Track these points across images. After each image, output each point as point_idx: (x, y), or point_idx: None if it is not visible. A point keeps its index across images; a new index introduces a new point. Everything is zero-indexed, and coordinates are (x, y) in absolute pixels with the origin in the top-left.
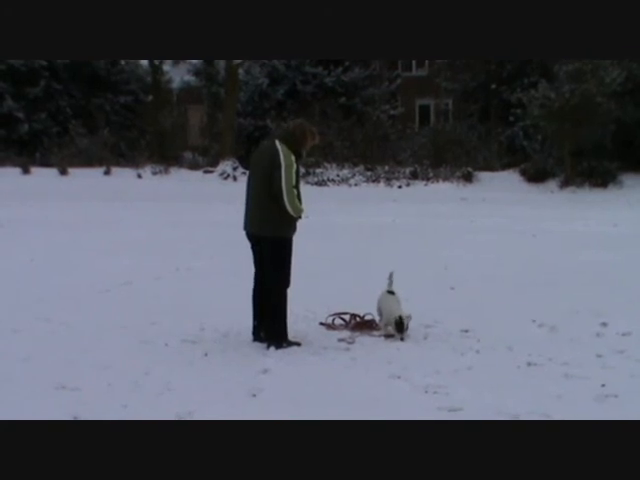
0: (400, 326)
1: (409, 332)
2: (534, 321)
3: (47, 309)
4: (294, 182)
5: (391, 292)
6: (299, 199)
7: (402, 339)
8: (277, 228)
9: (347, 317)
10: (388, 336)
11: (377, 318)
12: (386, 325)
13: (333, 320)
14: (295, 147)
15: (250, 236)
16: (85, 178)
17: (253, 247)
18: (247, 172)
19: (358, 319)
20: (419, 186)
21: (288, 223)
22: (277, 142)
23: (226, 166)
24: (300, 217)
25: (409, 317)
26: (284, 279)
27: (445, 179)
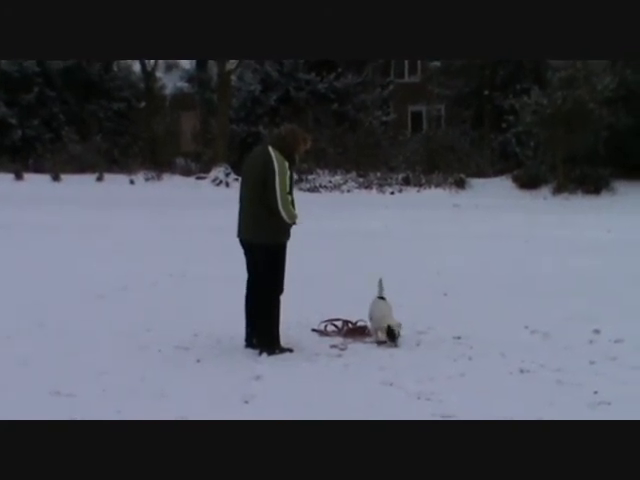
0: (392, 335)
1: (402, 338)
2: (527, 327)
3: (41, 314)
4: (288, 188)
5: (382, 298)
6: (293, 205)
7: (396, 346)
8: (271, 234)
9: (339, 323)
10: (380, 342)
11: (369, 324)
12: (376, 330)
13: (325, 326)
14: (288, 152)
15: (243, 243)
16: (78, 184)
17: (246, 253)
18: (240, 178)
19: (350, 325)
20: (411, 192)
21: (282, 229)
22: (270, 148)
23: (219, 172)
24: (294, 223)
25: (399, 325)
26: (277, 285)
27: (437, 185)
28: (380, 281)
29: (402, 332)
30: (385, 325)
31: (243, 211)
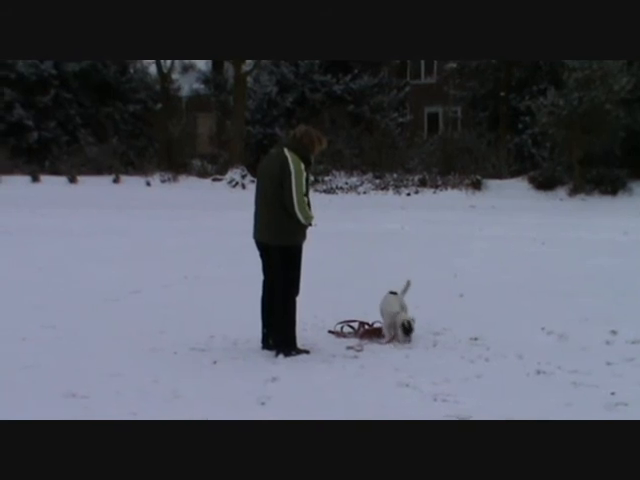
0: (406, 330)
1: (418, 339)
2: (543, 329)
3: (55, 317)
4: (304, 190)
5: (393, 292)
6: (309, 206)
7: (409, 341)
8: (287, 236)
9: (356, 325)
10: (391, 340)
11: (380, 320)
12: (389, 327)
13: (342, 328)
14: (303, 154)
15: (259, 244)
16: (94, 186)
17: (262, 255)
18: (255, 180)
19: (367, 327)
20: (428, 194)
21: (298, 231)
22: (286, 150)
23: (235, 174)
24: (310, 224)
25: (413, 320)
26: (294, 287)
27: (454, 187)
28: (408, 283)
29: (418, 331)
30: (401, 320)
31: (259, 213)
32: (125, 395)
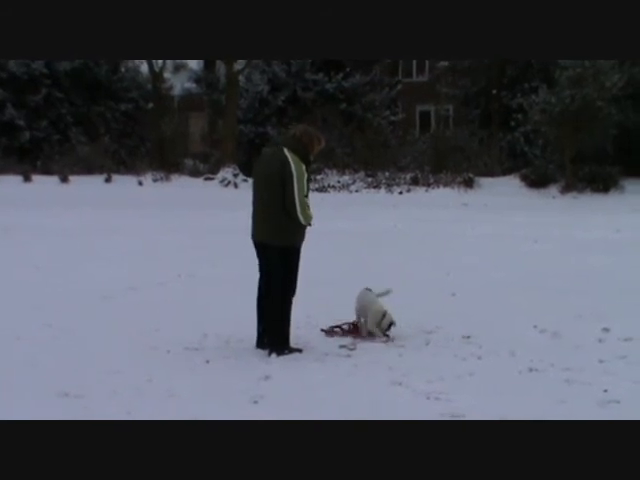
0: (389, 327)
1: (411, 338)
2: (536, 326)
3: (50, 316)
4: (306, 192)
5: (369, 289)
6: (308, 207)
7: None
8: (286, 236)
9: (349, 327)
10: (370, 334)
11: (357, 317)
12: (377, 325)
13: (334, 328)
14: (303, 153)
15: (258, 244)
16: (86, 185)
17: (260, 255)
18: (248, 179)
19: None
20: (420, 192)
21: (297, 231)
22: (285, 150)
23: (227, 173)
24: (310, 224)
25: (394, 323)
26: (290, 287)
27: (446, 185)
28: (388, 291)
29: (411, 331)
30: (389, 321)
31: (258, 213)
32: (120, 394)
